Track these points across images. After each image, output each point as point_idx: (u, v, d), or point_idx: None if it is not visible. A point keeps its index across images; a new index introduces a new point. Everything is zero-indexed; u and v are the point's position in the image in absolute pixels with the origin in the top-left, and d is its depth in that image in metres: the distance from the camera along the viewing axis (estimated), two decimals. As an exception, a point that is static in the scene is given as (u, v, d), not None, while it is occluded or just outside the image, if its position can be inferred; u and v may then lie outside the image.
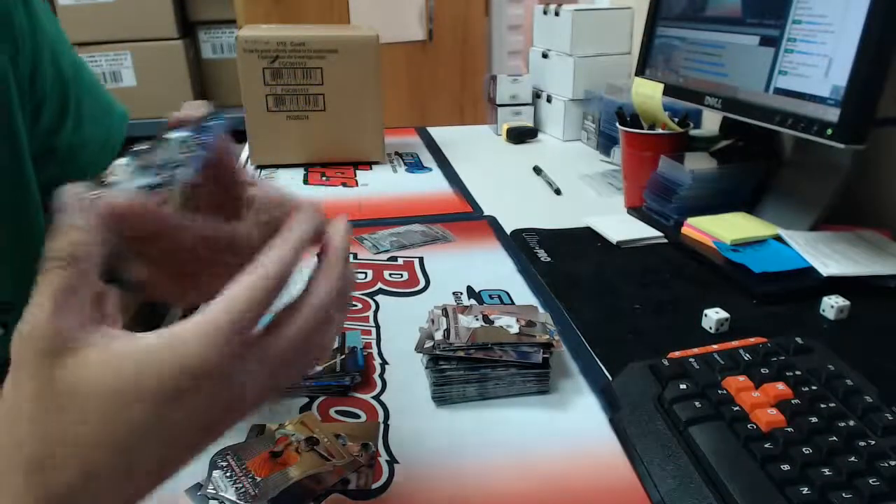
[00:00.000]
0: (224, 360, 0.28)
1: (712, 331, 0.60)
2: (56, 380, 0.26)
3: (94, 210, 0.28)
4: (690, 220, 0.79)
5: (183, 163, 0.32)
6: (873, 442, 0.41)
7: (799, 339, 0.51)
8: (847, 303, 0.62)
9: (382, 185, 1.06)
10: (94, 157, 0.63)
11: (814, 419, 0.43)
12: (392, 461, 0.45)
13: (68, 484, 0.26)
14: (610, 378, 0.54)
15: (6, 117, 0.53)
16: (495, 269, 0.74)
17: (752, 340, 0.52)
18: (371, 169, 1.13)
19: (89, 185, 0.29)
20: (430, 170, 1.13)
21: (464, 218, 0.91)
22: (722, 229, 0.75)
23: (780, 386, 0.46)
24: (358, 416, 0.50)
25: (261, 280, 0.29)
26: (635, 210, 0.89)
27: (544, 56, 1.33)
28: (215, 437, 0.30)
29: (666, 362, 0.50)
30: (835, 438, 0.41)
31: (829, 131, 0.63)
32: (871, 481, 0.38)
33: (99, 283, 0.29)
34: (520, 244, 0.81)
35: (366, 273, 0.73)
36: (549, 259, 0.77)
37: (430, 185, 1.06)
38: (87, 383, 0.26)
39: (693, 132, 0.93)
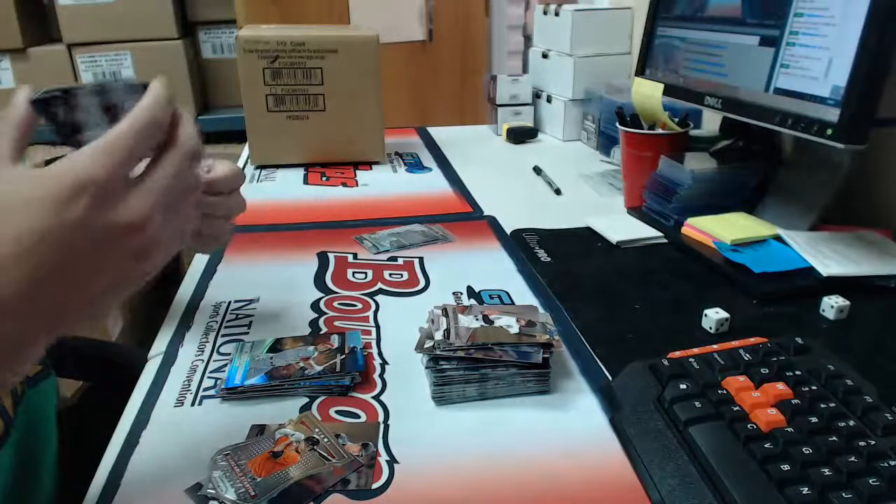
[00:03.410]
0: (103, 174, 0.34)
1: (712, 331, 0.60)
2: None
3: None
4: (690, 220, 0.79)
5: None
6: (873, 442, 0.41)
7: (799, 339, 0.51)
8: (847, 303, 0.62)
9: (382, 185, 1.06)
10: None
11: (814, 419, 0.43)
12: (392, 461, 0.45)
13: None
14: (610, 378, 0.54)
15: None
16: (495, 269, 0.74)
17: (752, 340, 0.52)
18: (371, 169, 1.13)
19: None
20: (430, 170, 1.13)
21: (464, 218, 0.91)
22: (722, 229, 0.75)
23: (780, 386, 0.46)
24: (358, 416, 0.50)
25: (138, 119, 0.36)
26: (635, 210, 0.89)
27: (544, 56, 1.33)
28: (122, 270, 0.36)
29: (666, 362, 0.50)
30: (835, 438, 0.41)
31: (829, 131, 0.63)
32: (871, 481, 0.38)
33: (19, 131, 0.36)
34: (520, 244, 0.81)
35: (366, 273, 0.73)
36: (549, 259, 0.77)
37: (430, 185, 1.06)
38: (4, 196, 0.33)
39: (693, 132, 0.93)
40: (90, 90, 0.39)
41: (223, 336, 0.61)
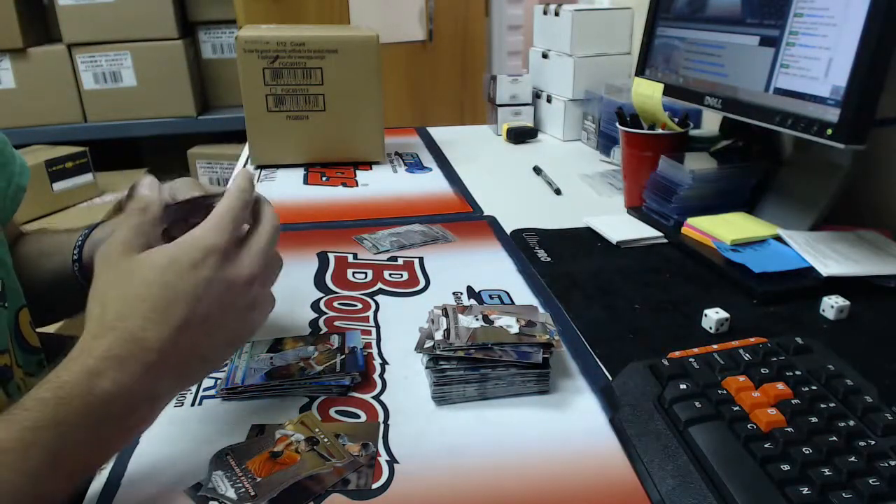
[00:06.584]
0: (223, 241, 0.44)
1: (712, 331, 0.60)
2: (125, 266, 0.43)
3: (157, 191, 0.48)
4: (690, 220, 0.79)
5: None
6: (873, 442, 0.41)
7: (799, 339, 0.51)
8: (847, 303, 0.62)
9: (382, 185, 1.06)
10: None
11: (814, 419, 0.43)
12: (392, 461, 0.45)
13: (132, 331, 0.40)
14: (610, 378, 0.54)
15: None
16: (495, 269, 0.74)
17: (752, 340, 0.52)
18: (371, 169, 1.13)
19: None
20: (430, 170, 1.13)
21: (464, 218, 0.91)
22: (722, 229, 0.75)
23: (780, 386, 0.46)
24: (358, 416, 0.50)
25: (235, 200, 0.46)
26: (635, 210, 0.89)
27: (544, 56, 1.33)
28: (238, 323, 0.46)
29: (666, 362, 0.50)
30: (835, 438, 0.41)
31: (829, 131, 0.63)
32: (871, 481, 0.38)
33: (155, 226, 0.47)
34: (520, 244, 0.81)
35: (366, 273, 0.73)
36: (549, 259, 0.77)
37: (430, 185, 1.06)
38: (142, 267, 0.42)
39: (693, 132, 0.93)
40: (202, 202, 0.51)
41: (223, 336, 0.61)
